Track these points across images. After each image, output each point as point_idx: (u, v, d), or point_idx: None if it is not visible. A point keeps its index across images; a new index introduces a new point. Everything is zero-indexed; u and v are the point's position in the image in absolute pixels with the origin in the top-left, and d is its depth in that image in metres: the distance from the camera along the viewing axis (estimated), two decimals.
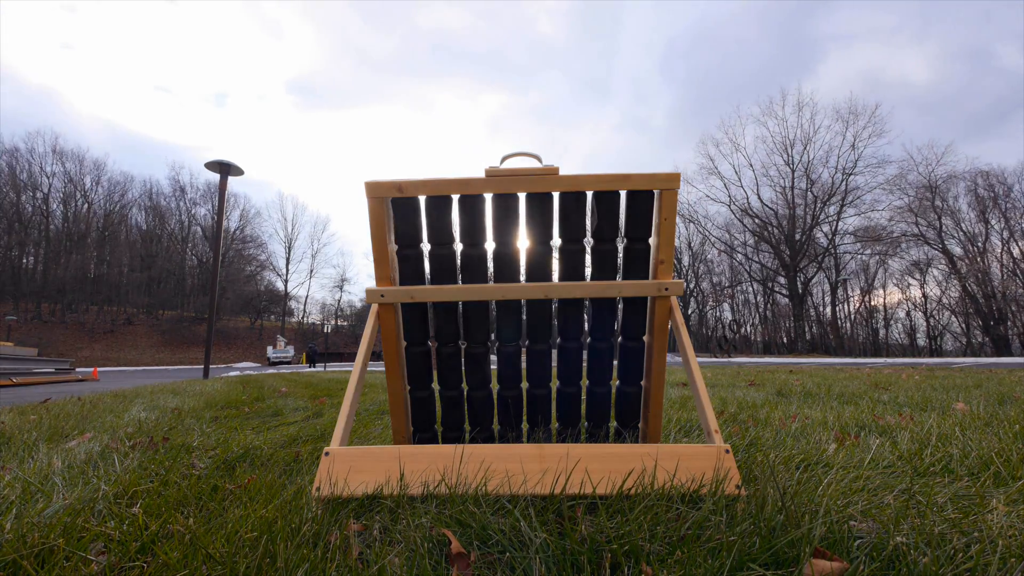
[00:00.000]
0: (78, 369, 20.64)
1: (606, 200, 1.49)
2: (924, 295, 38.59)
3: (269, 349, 40.07)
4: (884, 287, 41.43)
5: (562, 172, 1.44)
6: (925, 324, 39.03)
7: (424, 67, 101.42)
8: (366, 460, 1.23)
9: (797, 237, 39.35)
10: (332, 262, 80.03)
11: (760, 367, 11.05)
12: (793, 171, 40.13)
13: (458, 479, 1.17)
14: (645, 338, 1.62)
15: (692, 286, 45.32)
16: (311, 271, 53.83)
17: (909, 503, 1.06)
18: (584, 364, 1.70)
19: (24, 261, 45.60)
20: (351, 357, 39.39)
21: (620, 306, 1.63)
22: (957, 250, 35.61)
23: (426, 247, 1.57)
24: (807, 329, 40.31)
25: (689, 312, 45.23)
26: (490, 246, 1.56)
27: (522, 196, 1.50)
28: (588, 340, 1.67)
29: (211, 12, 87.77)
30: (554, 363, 1.67)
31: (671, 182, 1.42)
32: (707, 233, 44.21)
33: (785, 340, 41.30)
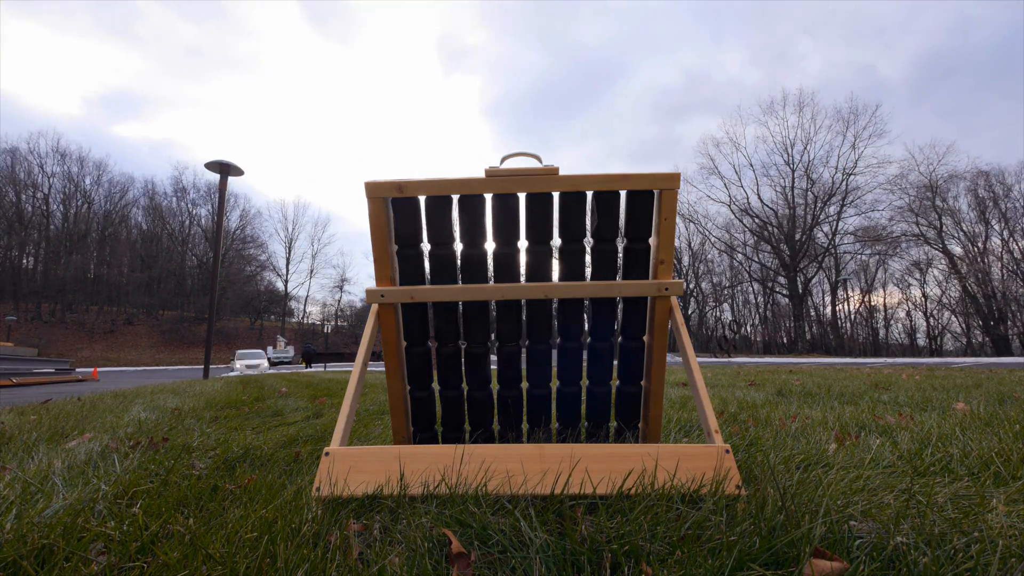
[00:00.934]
0: (78, 369, 20.64)
1: (606, 200, 1.49)
2: (924, 295, 38.61)
3: (269, 349, 40.08)
4: (884, 287, 41.46)
5: (562, 172, 1.44)
6: (925, 324, 39.07)
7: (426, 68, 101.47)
8: (366, 460, 1.23)
9: (797, 237, 39.36)
10: (332, 262, 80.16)
11: (760, 367, 11.05)
12: (793, 171, 40.18)
13: (458, 479, 1.17)
14: (645, 338, 1.62)
15: (692, 286, 45.33)
16: (311, 271, 53.90)
17: (909, 503, 1.06)
18: (584, 364, 1.71)
19: (24, 261, 45.64)
20: (351, 357, 39.37)
21: (620, 306, 1.63)
22: (957, 250, 35.66)
23: (426, 247, 1.57)
24: (807, 329, 40.32)
25: (689, 312, 45.23)
26: (490, 246, 1.56)
27: (522, 196, 1.50)
28: (588, 340, 1.67)
29: (211, 12, 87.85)
30: (554, 363, 1.67)
31: (671, 182, 1.42)
32: (707, 233, 44.28)
33: (785, 340, 41.31)
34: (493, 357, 1.75)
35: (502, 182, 1.44)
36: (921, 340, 39.47)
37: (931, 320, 38.50)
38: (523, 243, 1.56)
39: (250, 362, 29.66)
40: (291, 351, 40.03)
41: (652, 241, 1.52)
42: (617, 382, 1.70)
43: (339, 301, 55.29)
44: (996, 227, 34.95)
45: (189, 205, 51.02)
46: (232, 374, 15.30)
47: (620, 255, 1.56)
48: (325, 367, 24.10)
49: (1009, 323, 32.88)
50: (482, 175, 1.46)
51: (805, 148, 39.58)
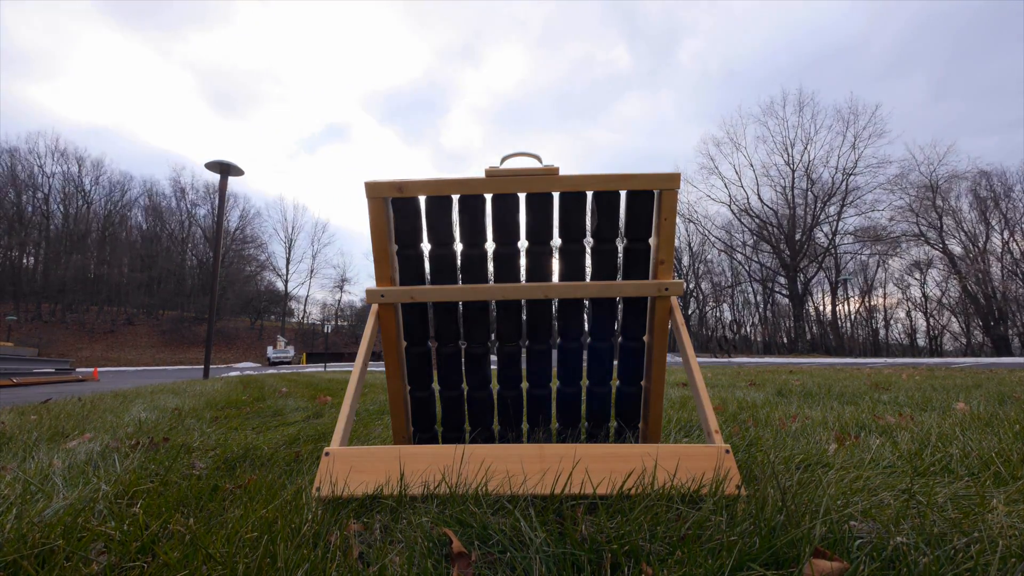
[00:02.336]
0: (78, 369, 20.64)
1: (606, 200, 1.49)
2: (924, 295, 38.60)
3: (269, 349, 40.11)
4: (884, 287, 41.45)
5: (562, 172, 1.44)
6: (925, 324, 39.06)
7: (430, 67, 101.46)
8: (366, 460, 1.23)
9: (797, 237, 39.36)
10: (332, 262, 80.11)
11: (760, 367, 11.05)
12: (793, 171, 40.18)
13: (459, 479, 1.17)
14: (645, 338, 1.62)
15: (692, 286, 45.33)
16: (311, 271, 53.89)
17: (909, 503, 1.06)
18: (584, 364, 1.70)
19: (24, 261, 45.63)
20: (351, 357, 39.45)
21: (620, 306, 1.63)
22: (957, 250, 35.64)
23: (426, 247, 1.57)
24: (807, 329, 40.32)
25: (689, 312, 45.23)
26: (490, 246, 1.56)
27: (522, 196, 1.50)
28: (588, 340, 1.67)
29: (210, 13, 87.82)
30: (554, 363, 1.68)
31: (671, 182, 1.42)
32: (707, 233, 44.28)
33: (785, 340, 41.31)
34: (493, 357, 1.75)
35: (502, 182, 1.44)
36: (921, 340, 39.49)
37: (931, 320, 38.51)
38: (523, 243, 1.56)
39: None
40: (291, 351, 40.04)
41: (652, 241, 1.52)
42: (617, 382, 1.70)
43: (339, 301, 55.34)
44: (996, 227, 34.97)
45: (189, 205, 51.07)
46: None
47: (620, 255, 1.56)
48: (325, 367, 24.10)
49: (1009, 323, 32.88)
50: (482, 175, 1.46)
51: (805, 148, 39.62)
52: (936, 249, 36.14)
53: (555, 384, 1.74)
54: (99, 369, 27.56)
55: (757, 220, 41.64)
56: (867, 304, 41.40)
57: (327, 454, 1.24)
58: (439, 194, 1.46)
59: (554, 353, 1.68)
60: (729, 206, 42.58)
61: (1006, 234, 34.47)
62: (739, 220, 42.43)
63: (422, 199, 1.50)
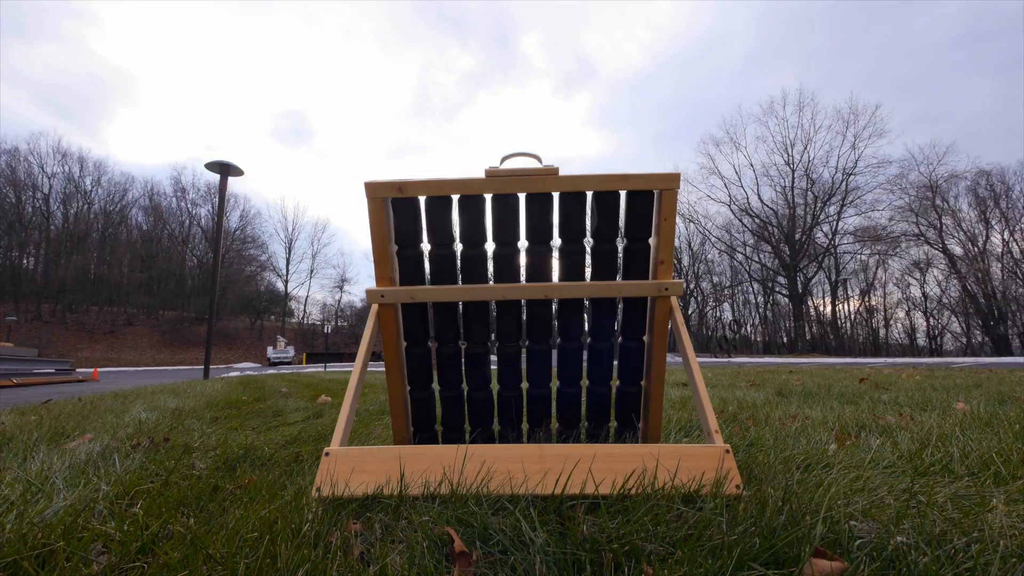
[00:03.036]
0: (78, 370, 20.63)
1: (606, 200, 1.49)
2: (924, 295, 38.59)
3: (269, 349, 40.10)
4: (884, 287, 41.46)
5: (562, 172, 1.44)
6: (925, 324, 39.05)
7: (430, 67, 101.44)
8: (366, 460, 1.23)
9: (797, 237, 39.37)
10: (332, 262, 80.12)
11: (760, 367, 11.05)
12: (793, 171, 40.19)
13: (459, 479, 1.17)
14: (645, 338, 1.62)
15: (692, 286, 45.33)
16: (311, 271, 53.90)
17: (909, 503, 1.06)
18: (584, 364, 1.71)
19: (24, 262, 45.63)
20: (351, 357, 39.46)
21: (620, 306, 1.63)
22: (957, 250, 35.64)
23: (426, 247, 1.57)
24: (807, 329, 40.32)
25: (689, 312, 45.23)
26: (490, 246, 1.56)
27: (522, 196, 1.50)
28: (588, 340, 1.67)
29: (209, 16, 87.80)
30: (554, 363, 1.68)
31: (671, 182, 1.42)
32: (707, 233, 44.29)
33: (785, 340, 41.30)
34: (493, 357, 1.75)
35: (502, 182, 1.44)
36: (921, 340, 39.48)
37: (931, 320, 38.50)
38: (523, 243, 1.56)
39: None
40: (291, 351, 40.04)
41: (652, 241, 1.52)
42: (617, 382, 1.70)
43: (339, 301, 55.35)
44: (996, 227, 34.97)
45: (189, 205, 51.08)
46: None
47: (620, 255, 1.56)
48: (325, 367, 24.10)
49: (1009, 323, 32.87)
50: (482, 175, 1.46)
51: (805, 148, 39.62)
52: (936, 249, 36.17)
53: (555, 384, 1.74)
54: (99, 369, 27.55)
55: (757, 220, 41.67)
56: (867, 304, 41.42)
57: (327, 454, 1.24)
58: (439, 194, 1.46)
59: (554, 353, 1.68)
60: (729, 206, 42.64)
61: (1006, 234, 34.49)
62: (739, 220, 42.49)
63: (422, 199, 1.50)
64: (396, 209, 1.51)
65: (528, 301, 1.59)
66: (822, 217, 39.02)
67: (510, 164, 1.52)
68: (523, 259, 1.57)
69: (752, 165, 42.30)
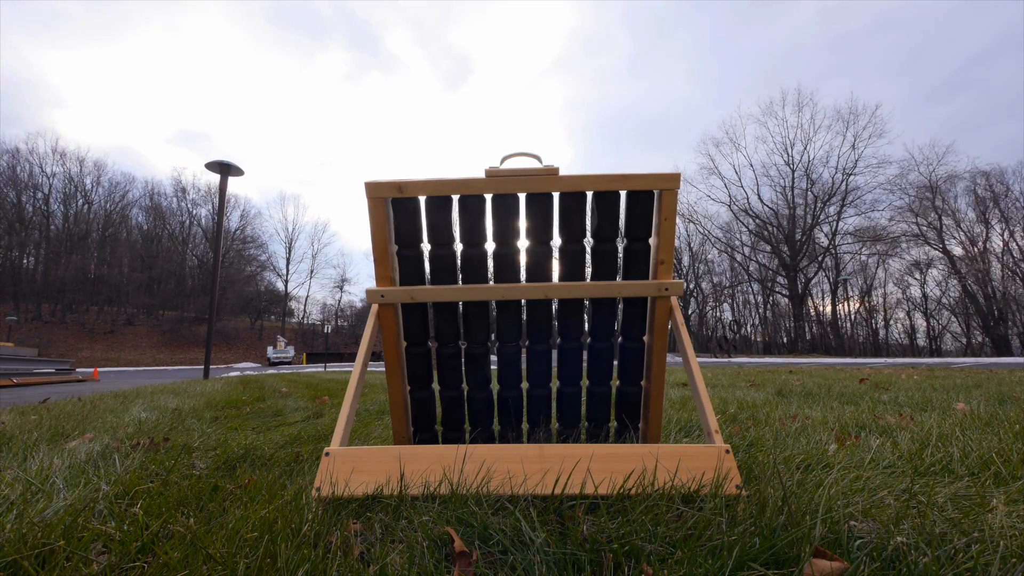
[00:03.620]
0: (78, 369, 20.62)
1: (606, 200, 1.49)
2: (924, 295, 38.58)
3: (269, 349, 40.11)
4: (884, 287, 41.45)
5: (562, 172, 1.44)
6: (925, 324, 39.03)
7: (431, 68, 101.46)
8: (366, 460, 1.23)
9: (797, 237, 39.36)
10: (332, 262, 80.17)
11: (760, 367, 11.05)
12: (793, 171, 40.18)
13: (459, 479, 1.17)
14: (645, 338, 1.62)
15: (692, 286, 45.32)
16: (311, 271, 53.91)
17: (909, 503, 1.06)
18: (584, 364, 1.70)
19: (24, 261, 45.62)
20: (351, 357, 39.46)
21: (620, 306, 1.63)
22: (957, 250, 35.63)
23: (426, 247, 1.57)
24: (807, 329, 40.32)
25: (689, 312, 45.23)
26: (490, 246, 1.56)
27: (522, 196, 1.50)
28: (588, 340, 1.67)
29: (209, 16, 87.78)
30: (554, 363, 1.68)
31: (671, 182, 1.42)
32: (707, 233, 44.28)
33: (785, 340, 41.30)
34: (493, 357, 1.75)
35: (502, 182, 1.44)
36: (921, 340, 39.46)
37: (931, 320, 38.49)
38: (523, 243, 1.56)
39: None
40: (291, 351, 40.05)
41: (652, 241, 1.52)
42: (617, 382, 1.70)
43: (339, 301, 55.37)
44: (996, 227, 34.96)
45: (189, 205, 51.08)
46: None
47: (620, 255, 1.56)
48: (325, 367, 24.10)
49: (1009, 323, 32.87)
50: (482, 175, 1.46)
51: (805, 148, 39.61)
52: (936, 249, 36.15)
53: (555, 384, 1.74)
54: (99, 369, 27.55)
55: (757, 220, 41.67)
56: (867, 304, 41.41)
57: (327, 454, 1.24)
58: (439, 194, 1.46)
59: (554, 353, 1.68)
60: (729, 206, 42.63)
61: (1006, 234, 34.50)
62: (739, 220, 42.48)
63: (422, 199, 1.50)
64: (396, 209, 1.51)
65: (528, 301, 1.59)
66: (822, 217, 39.03)
67: (510, 164, 1.52)
68: (523, 259, 1.57)
69: (752, 165, 42.33)
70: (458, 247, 1.56)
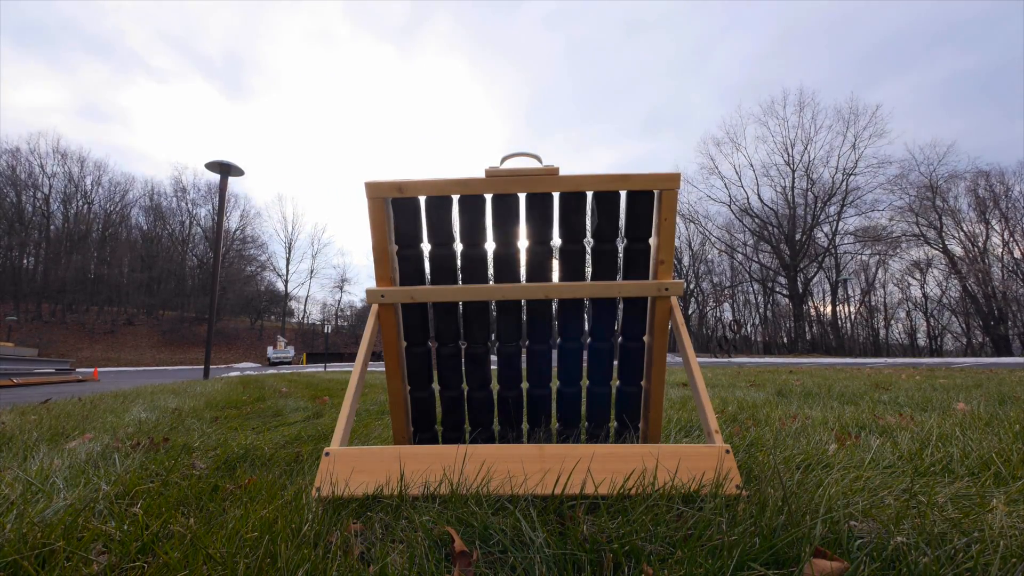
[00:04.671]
0: (78, 369, 20.62)
1: (606, 200, 1.49)
2: (924, 295, 38.57)
3: (269, 349, 40.11)
4: (884, 287, 41.44)
5: (562, 172, 1.44)
6: (925, 324, 39.03)
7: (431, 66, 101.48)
8: (366, 460, 1.23)
9: (797, 237, 39.36)
10: (332, 262, 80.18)
11: (760, 367, 11.05)
12: (794, 171, 40.16)
13: (459, 479, 1.17)
14: (645, 338, 1.62)
15: (692, 286, 45.32)
16: (311, 271, 53.92)
17: (909, 503, 1.06)
18: (584, 364, 1.70)
19: (25, 262, 45.63)
20: (351, 357, 39.47)
21: (620, 306, 1.63)
22: (957, 250, 35.62)
23: (426, 247, 1.57)
24: (807, 329, 40.32)
25: (689, 312, 45.22)
26: (490, 246, 1.56)
27: (522, 196, 1.50)
28: (588, 340, 1.67)
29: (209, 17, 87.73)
30: (554, 363, 1.68)
31: (671, 182, 1.42)
32: (707, 233, 44.27)
33: (785, 340, 41.29)
34: (493, 357, 1.75)
35: (502, 182, 1.44)
36: (921, 340, 39.46)
37: (931, 320, 38.48)
38: (523, 243, 1.56)
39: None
40: (291, 351, 40.05)
41: (652, 241, 1.52)
42: (617, 382, 1.70)
43: (339, 301, 55.37)
44: (996, 227, 34.96)
45: (189, 205, 51.08)
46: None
47: (620, 255, 1.56)
48: (325, 367, 24.11)
49: (1009, 323, 32.86)
50: (482, 175, 1.46)
51: (805, 148, 39.59)
52: (936, 249, 36.15)
53: (555, 384, 1.74)
54: (99, 369, 27.54)
55: (757, 220, 41.65)
56: (867, 304, 41.40)
57: (327, 454, 1.24)
58: (439, 194, 1.46)
59: (554, 353, 1.68)
60: (729, 206, 42.61)
61: (1006, 234, 34.49)
62: (739, 220, 42.46)
63: (422, 199, 1.50)
64: (396, 209, 1.51)
65: (528, 301, 1.59)
66: (822, 217, 39.02)
67: (510, 164, 1.52)
68: (523, 259, 1.57)
69: (752, 165, 42.27)
70: (458, 247, 1.56)
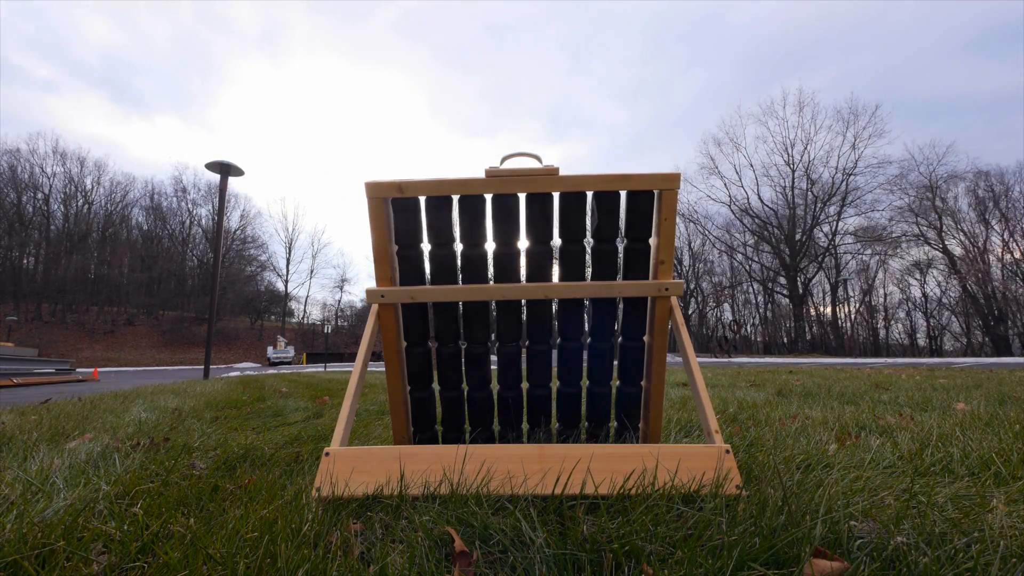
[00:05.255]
0: (78, 369, 20.62)
1: (606, 200, 1.49)
2: (924, 295, 38.58)
3: (269, 349, 40.11)
4: (884, 287, 41.44)
5: (562, 172, 1.44)
6: (925, 324, 39.03)
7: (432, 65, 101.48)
8: (366, 460, 1.23)
9: (797, 237, 39.36)
10: (332, 262, 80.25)
11: (760, 367, 11.05)
12: (793, 171, 40.17)
13: (459, 479, 1.17)
14: (645, 338, 1.62)
15: (692, 286, 45.32)
16: (311, 271, 53.93)
17: (909, 503, 1.06)
18: (584, 364, 1.70)
19: (25, 262, 45.63)
20: (351, 357, 39.47)
21: (620, 306, 1.63)
22: (957, 250, 35.63)
23: (426, 247, 1.57)
24: (807, 329, 40.31)
25: (689, 312, 45.21)
26: (490, 246, 1.56)
27: (522, 196, 1.50)
28: (588, 340, 1.67)
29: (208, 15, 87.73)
30: (554, 363, 1.68)
31: (671, 182, 1.42)
32: (707, 233, 44.28)
33: (785, 340, 41.29)
34: (493, 357, 1.75)
35: (502, 182, 1.44)
36: (921, 340, 39.47)
37: (931, 320, 38.48)
38: (523, 243, 1.56)
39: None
40: (291, 351, 40.05)
41: (652, 241, 1.52)
42: (617, 382, 1.70)
43: (339, 301, 55.38)
44: (996, 227, 34.97)
45: (189, 205, 51.08)
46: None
47: (620, 255, 1.56)
48: (325, 367, 24.11)
49: (1009, 323, 32.86)
50: (482, 175, 1.46)
51: (805, 148, 39.60)
52: (936, 249, 36.17)
53: (555, 384, 1.74)
54: (99, 369, 27.53)
55: (757, 220, 41.66)
56: (867, 304, 41.39)
57: (327, 454, 1.24)
58: (439, 194, 1.46)
59: (554, 353, 1.68)
60: (729, 206, 42.62)
61: (1006, 234, 34.50)
62: (739, 220, 42.48)
63: (422, 199, 1.50)
64: (396, 209, 1.51)
65: (528, 301, 1.59)
66: (822, 217, 39.04)
67: (510, 164, 1.52)
68: (523, 259, 1.57)
69: (752, 165, 42.30)
70: (458, 247, 1.56)
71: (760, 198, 41.42)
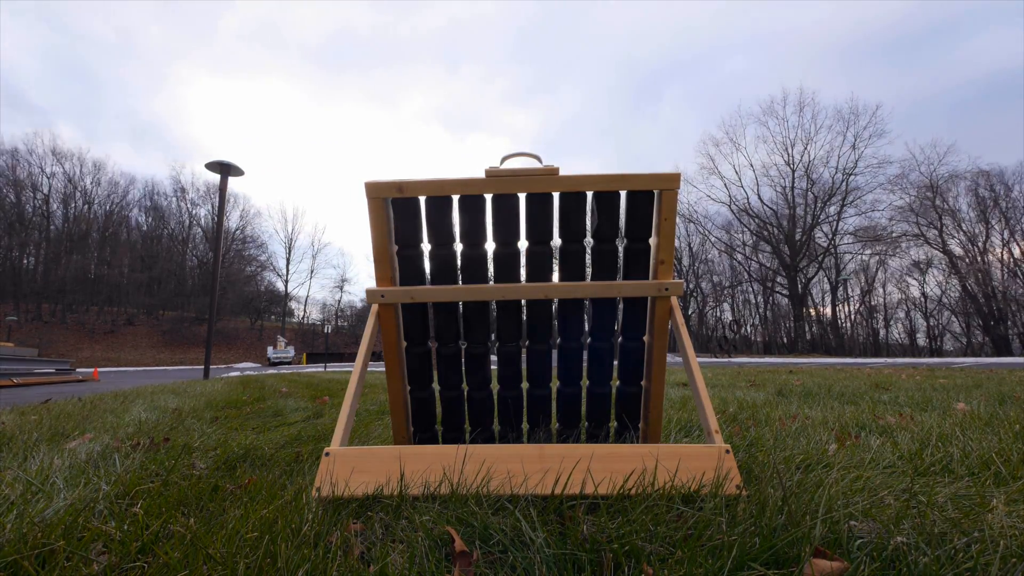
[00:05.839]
0: (78, 369, 20.61)
1: (606, 200, 1.49)
2: (924, 295, 38.58)
3: (269, 349, 40.11)
4: (884, 287, 41.44)
5: (562, 172, 1.44)
6: (925, 324, 39.04)
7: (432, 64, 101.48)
8: (366, 460, 1.23)
9: (797, 237, 39.36)
10: (332, 262, 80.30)
11: (760, 367, 11.05)
12: (793, 171, 40.19)
13: (459, 479, 1.17)
14: (645, 338, 1.62)
15: (692, 286, 45.32)
16: (311, 271, 53.93)
17: (909, 503, 1.06)
18: (584, 364, 1.71)
19: (24, 262, 45.63)
20: (351, 357, 39.47)
21: (620, 306, 1.63)
22: (957, 250, 35.64)
23: (426, 247, 1.57)
24: (807, 329, 40.32)
25: (689, 312, 45.21)
26: (490, 246, 1.56)
27: (522, 196, 1.50)
28: (588, 340, 1.67)
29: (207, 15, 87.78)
30: (554, 363, 1.68)
31: (671, 182, 1.42)
32: (707, 233, 44.29)
33: (785, 340, 41.29)
34: (493, 357, 1.75)
35: (502, 182, 1.44)
36: (921, 340, 39.48)
37: (931, 320, 38.49)
38: (523, 243, 1.56)
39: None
40: (291, 351, 40.05)
41: (652, 241, 1.52)
42: (617, 382, 1.70)
43: (339, 301, 55.39)
44: (996, 227, 34.96)
45: (189, 205, 51.08)
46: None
47: (620, 255, 1.56)
48: (325, 367, 24.11)
49: (1009, 323, 32.86)
50: (482, 175, 1.46)
51: (805, 148, 39.62)
52: (936, 249, 36.17)
53: (555, 384, 1.74)
54: (99, 369, 27.52)
55: (757, 220, 41.68)
56: (867, 304, 41.40)
57: (327, 454, 1.24)
58: (439, 194, 1.46)
59: (554, 353, 1.68)
60: (729, 206, 42.64)
61: (1006, 234, 34.50)
62: (739, 220, 42.50)
63: (422, 199, 1.50)
64: (396, 209, 1.51)
65: (528, 301, 1.59)
66: (822, 217, 39.06)
67: (510, 164, 1.52)
68: (523, 259, 1.57)
69: (752, 165, 42.31)
70: (458, 247, 1.56)
71: (760, 198, 41.49)
